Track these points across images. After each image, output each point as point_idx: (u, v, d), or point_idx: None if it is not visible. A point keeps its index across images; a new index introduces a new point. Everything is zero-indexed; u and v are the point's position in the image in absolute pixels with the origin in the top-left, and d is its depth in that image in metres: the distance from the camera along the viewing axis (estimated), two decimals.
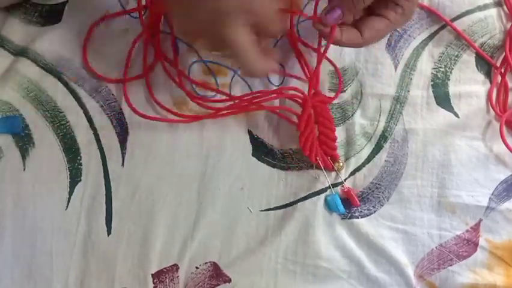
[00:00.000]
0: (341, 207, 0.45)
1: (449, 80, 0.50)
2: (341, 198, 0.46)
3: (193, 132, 0.47)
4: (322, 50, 0.45)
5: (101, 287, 0.44)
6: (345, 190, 0.46)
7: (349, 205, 0.46)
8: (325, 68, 0.49)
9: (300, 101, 0.46)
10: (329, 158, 0.47)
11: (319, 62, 0.46)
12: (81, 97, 0.47)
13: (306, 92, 0.47)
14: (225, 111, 0.47)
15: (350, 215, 0.46)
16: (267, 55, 0.40)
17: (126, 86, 0.47)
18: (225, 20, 0.35)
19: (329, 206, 0.46)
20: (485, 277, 0.46)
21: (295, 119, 0.46)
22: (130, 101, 0.47)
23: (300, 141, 0.45)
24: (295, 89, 0.47)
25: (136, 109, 0.47)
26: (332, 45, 0.43)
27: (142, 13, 0.48)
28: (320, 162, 0.46)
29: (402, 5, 0.41)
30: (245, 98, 0.47)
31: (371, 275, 0.45)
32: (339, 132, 0.48)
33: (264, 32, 0.38)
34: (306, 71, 0.48)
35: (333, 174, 0.47)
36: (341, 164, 0.47)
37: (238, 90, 0.48)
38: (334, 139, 0.47)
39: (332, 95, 0.48)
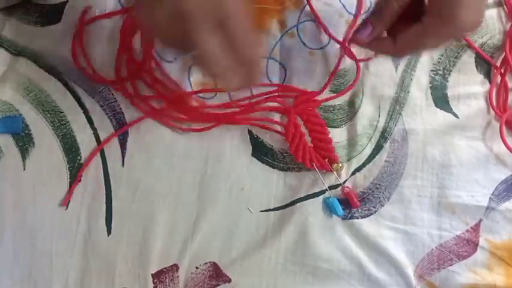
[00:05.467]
0: (340, 211, 0.45)
1: (447, 82, 0.50)
2: (339, 200, 0.46)
3: (193, 133, 0.47)
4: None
5: (101, 287, 0.44)
6: (346, 192, 0.46)
7: (349, 205, 0.46)
8: (325, 69, 0.49)
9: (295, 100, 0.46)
10: (327, 160, 0.46)
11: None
12: (81, 97, 0.47)
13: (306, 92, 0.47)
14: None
15: (350, 215, 0.46)
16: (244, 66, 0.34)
17: (124, 85, 0.47)
18: (190, 21, 0.31)
19: (328, 209, 0.46)
20: (485, 277, 0.46)
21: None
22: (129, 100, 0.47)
23: (291, 150, 0.45)
24: (291, 89, 0.47)
25: (136, 103, 0.47)
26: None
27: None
28: (315, 167, 0.46)
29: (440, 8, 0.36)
30: (228, 109, 0.47)
31: (371, 275, 0.45)
32: (341, 133, 0.48)
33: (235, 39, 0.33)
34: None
35: (334, 175, 0.47)
36: (340, 165, 0.47)
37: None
38: (329, 141, 0.47)
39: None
